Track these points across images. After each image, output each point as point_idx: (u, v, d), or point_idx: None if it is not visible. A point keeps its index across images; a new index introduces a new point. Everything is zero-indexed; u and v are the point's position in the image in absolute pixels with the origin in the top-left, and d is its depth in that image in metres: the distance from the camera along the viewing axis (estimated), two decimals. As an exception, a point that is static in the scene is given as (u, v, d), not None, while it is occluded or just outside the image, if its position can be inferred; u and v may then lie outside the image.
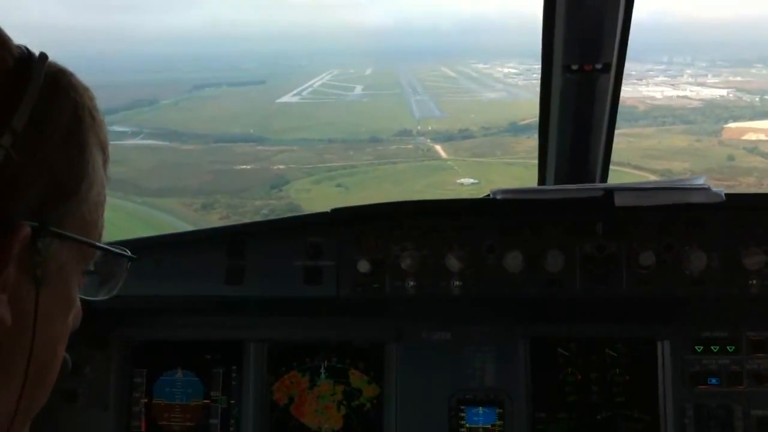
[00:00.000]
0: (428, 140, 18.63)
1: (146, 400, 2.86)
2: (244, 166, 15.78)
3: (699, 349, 2.63)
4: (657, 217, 2.49)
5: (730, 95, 21.11)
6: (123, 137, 19.07)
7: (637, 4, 2.45)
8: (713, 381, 2.60)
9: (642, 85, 21.64)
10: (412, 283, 2.58)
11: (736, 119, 17.71)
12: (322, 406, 2.81)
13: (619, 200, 2.43)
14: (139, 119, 21.63)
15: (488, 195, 2.64)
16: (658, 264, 2.47)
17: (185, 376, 2.83)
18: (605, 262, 2.50)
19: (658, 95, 21.74)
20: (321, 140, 18.35)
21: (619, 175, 12.42)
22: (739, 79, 22.92)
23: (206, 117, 22.24)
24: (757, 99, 20.03)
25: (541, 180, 3.12)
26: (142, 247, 2.74)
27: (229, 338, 2.84)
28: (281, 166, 15.79)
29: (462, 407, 2.68)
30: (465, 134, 18.89)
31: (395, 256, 2.59)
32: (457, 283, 2.55)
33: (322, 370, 2.80)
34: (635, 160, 13.62)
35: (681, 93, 21.87)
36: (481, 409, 2.67)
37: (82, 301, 1.13)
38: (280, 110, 23.81)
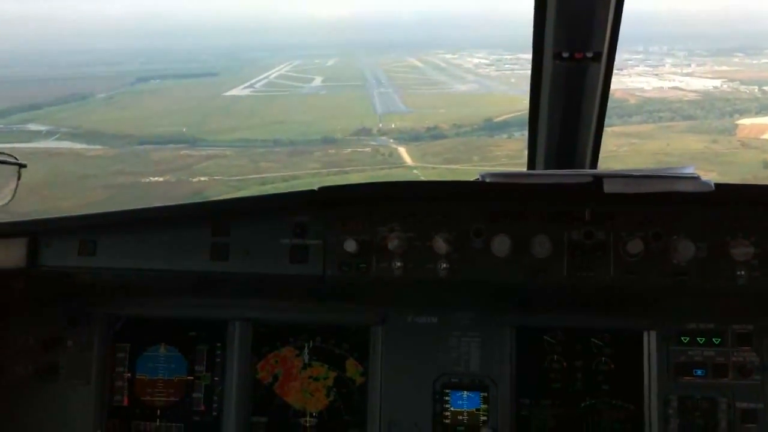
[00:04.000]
0: (391, 140, 16.26)
1: (129, 375, 2.91)
2: (155, 179, 12.94)
3: (685, 340, 2.69)
4: (646, 206, 2.52)
5: (725, 86, 19.91)
6: (35, 138, 16.52)
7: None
8: (699, 372, 2.67)
9: (624, 76, 20.68)
10: (398, 265, 2.59)
11: (742, 113, 16.04)
12: (311, 387, 2.83)
13: (608, 187, 2.46)
14: (60, 117, 19.01)
15: (477, 178, 2.66)
16: (645, 252, 2.49)
17: (169, 351, 2.89)
18: (593, 249, 2.53)
19: (646, 86, 20.48)
20: (265, 141, 15.82)
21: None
22: (725, 68, 22.20)
23: (138, 114, 19.61)
24: (756, 90, 18.51)
25: (531, 165, 3.16)
26: (124, 221, 2.76)
27: (214, 317, 2.89)
28: (203, 178, 12.96)
29: (447, 391, 2.76)
30: (434, 134, 16.49)
31: (382, 237, 2.60)
32: (444, 265, 2.56)
33: (306, 351, 2.85)
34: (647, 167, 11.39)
35: (670, 84, 20.68)
36: (465, 394, 2.76)
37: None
38: (224, 106, 21.32)
